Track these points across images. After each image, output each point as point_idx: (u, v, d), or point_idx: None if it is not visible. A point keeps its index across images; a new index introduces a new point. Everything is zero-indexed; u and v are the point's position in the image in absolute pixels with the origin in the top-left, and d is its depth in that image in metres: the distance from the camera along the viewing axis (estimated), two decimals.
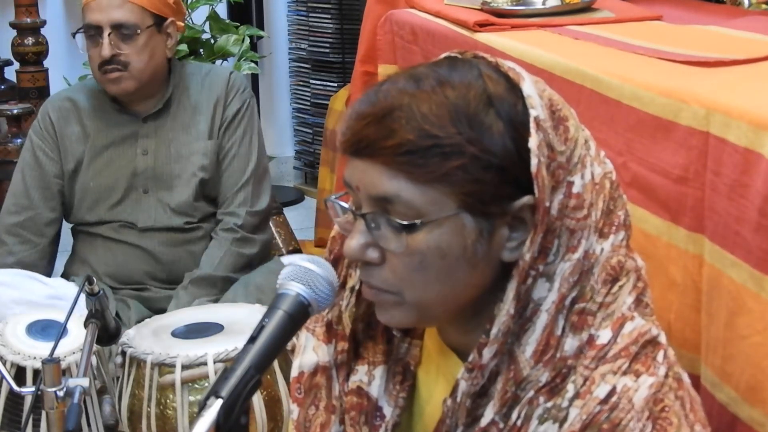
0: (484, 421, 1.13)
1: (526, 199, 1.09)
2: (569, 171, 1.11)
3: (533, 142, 1.08)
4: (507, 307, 1.10)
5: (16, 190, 2.71)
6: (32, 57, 3.63)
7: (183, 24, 2.76)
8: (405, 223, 1.09)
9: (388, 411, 1.23)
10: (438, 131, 1.07)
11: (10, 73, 3.74)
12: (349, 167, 1.13)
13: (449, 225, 1.10)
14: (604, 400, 1.09)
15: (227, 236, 2.63)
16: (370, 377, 1.25)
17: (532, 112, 1.09)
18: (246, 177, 2.70)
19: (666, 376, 1.11)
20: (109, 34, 2.56)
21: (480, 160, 1.08)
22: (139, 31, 2.59)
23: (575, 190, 1.11)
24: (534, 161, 1.08)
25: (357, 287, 1.25)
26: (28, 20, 3.60)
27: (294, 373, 1.30)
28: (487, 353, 1.12)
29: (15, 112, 3.34)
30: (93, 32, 2.58)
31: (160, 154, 2.68)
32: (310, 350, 1.29)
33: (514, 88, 1.11)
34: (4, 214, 2.73)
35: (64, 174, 2.68)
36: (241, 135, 2.73)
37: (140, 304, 2.60)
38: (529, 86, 1.12)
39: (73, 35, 2.65)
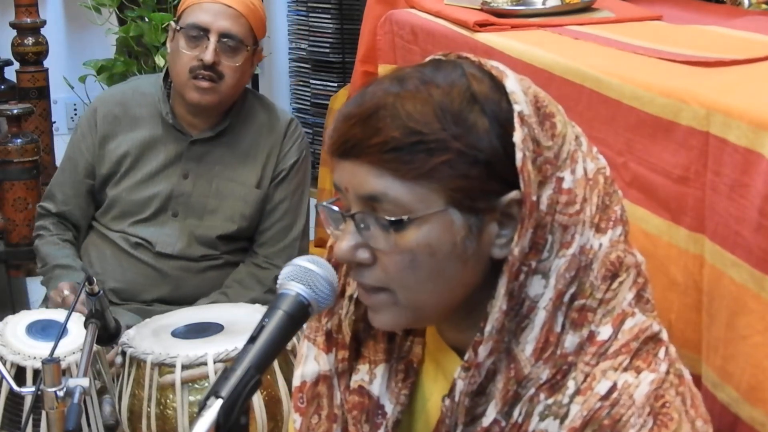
0: (486, 421, 1.13)
1: (513, 194, 1.10)
2: (558, 167, 1.12)
3: (517, 136, 1.09)
4: (499, 304, 1.11)
5: (54, 180, 2.70)
6: (32, 57, 3.62)
7: (263, 55, 2.66)
8: (393, 219, 1.09)
9: (389, 408, 1.24)
10: (422, 128, 1.08)
11: (10, 73, 3.72)
12: (338, 169, 1.14)
13: (437, 221, 1.10)
14: (605, 396, 1.09)
15: (266, 285, 2.56)
16: (372, 376, 1.25)
17: (516, 107, 1.10)
18: (294, 235, 2.63)
19: (667, 372, 1.12)
20: (216, 41, 2.47)
21: (466, 155, 1.09)
22: (244, 47, 2.51)
23: (566, 185, 1.12)
24: (519, 155, 1.09)
25: (355, 295, 1.25)
26: (28, 20, 3.59)
27: (296, 382, 1.31)
28: (483, 351, 1.12)
29: (15, 112, 3.32)
30: (197, 34, 2.49)
31: (200, 184, 2.59)
32: (311, 360, 1.29)
33: (498, 85, 1.13)
34: (45, 198, 2.71)
35: (96, 176, 2.63)
36: (293, 189, 2.64)
37: (138, 317, 2.47)
38: (512, 83, 1.13)
39: (176, 31, 2.52)
